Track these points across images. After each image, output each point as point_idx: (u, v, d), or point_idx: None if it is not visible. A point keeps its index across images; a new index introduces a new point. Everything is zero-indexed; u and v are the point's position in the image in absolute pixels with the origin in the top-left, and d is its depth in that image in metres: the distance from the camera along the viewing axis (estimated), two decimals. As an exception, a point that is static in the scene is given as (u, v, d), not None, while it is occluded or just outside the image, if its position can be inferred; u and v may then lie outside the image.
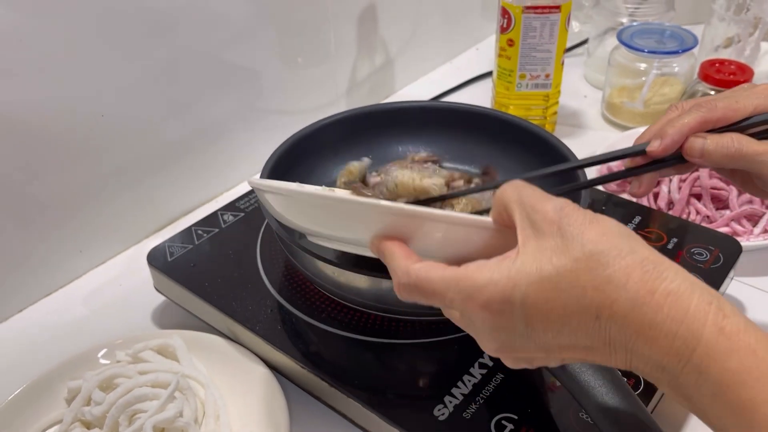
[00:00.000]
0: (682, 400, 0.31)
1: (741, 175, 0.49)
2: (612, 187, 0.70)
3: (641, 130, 0.77)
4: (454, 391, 0.47)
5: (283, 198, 0.42)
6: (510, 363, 0.36)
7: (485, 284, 0.33)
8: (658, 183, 0.70)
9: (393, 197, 0.55)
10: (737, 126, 0.46)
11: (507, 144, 0.66)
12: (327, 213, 0.40)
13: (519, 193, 0.35)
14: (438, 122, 0.69)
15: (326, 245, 0.45)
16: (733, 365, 0.28)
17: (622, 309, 0.30)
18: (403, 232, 0.37)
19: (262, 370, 0.52)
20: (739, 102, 0.46)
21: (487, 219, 0.37)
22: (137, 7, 0.62)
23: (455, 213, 0.38)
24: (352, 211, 0.38)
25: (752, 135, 0.46)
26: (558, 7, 0.75)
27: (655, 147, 0.47)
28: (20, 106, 0.57)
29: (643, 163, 0.48)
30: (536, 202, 0.34)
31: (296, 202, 0.42)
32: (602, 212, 0.32)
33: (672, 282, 0.30)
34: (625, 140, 0.77)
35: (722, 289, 0.55)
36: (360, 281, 0.51)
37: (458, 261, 0.36)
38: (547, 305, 0.32)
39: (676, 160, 0.48)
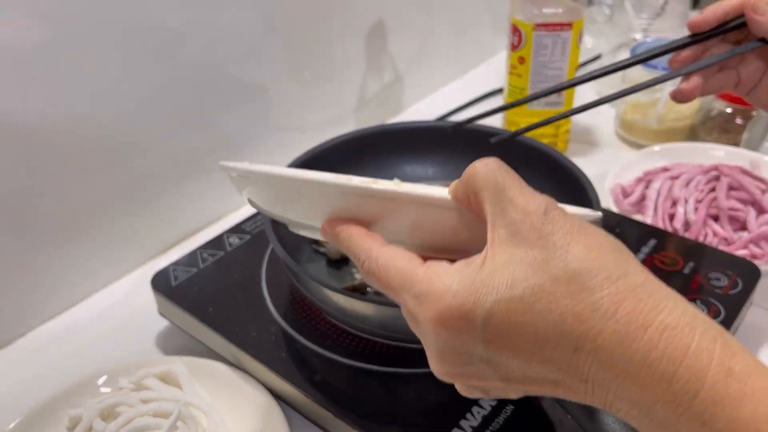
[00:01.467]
0: None
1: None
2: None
3: (656, 148, 0.77)
4: (462, 423, 0.46)
5: (242, 179, 0.37)
6: (463, 390, 0.31)
7: (442, 293, 0.28)
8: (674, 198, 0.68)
9: None
10: None
11: (516, 164, 0.64)
12: (279, 194, 0.36)
13: (494, 179, 0.29)
14: (447, 142, 0.68)
15: (309, 235, 0.39)
16: (745, 413, 0.24)
17: (609, 343, 0.25)
18: (357, 215, 0.33)
19: (266, 398, 0.51)
20: None
21: (449, 199, 0.32)
22: (145, 24, 0.62)
23: (407, 190, 0.32)
24: (296, 191, 0.34)
25: None
26: (569, 25, 0.74)
27: (701, 15, 0.45)
28: (29, 123, 0.57)
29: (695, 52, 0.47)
30: (516, 195, 0.29)
31: (250, 182, 0.37)
32: (615, 235, 0.29)
33: (670, 314, 0.25)
34: (640, 158, 0.76)
35: (741, 316, 0.53)
36: (366, 308, 0.50)
37: (429, 247, 0.32)
38: (516, 330, 0.27)
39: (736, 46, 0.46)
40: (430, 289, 0.29)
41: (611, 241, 0.28)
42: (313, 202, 0.34)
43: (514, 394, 0.30)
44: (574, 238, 0.27)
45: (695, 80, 0.48)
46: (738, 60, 0.49)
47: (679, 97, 0.48)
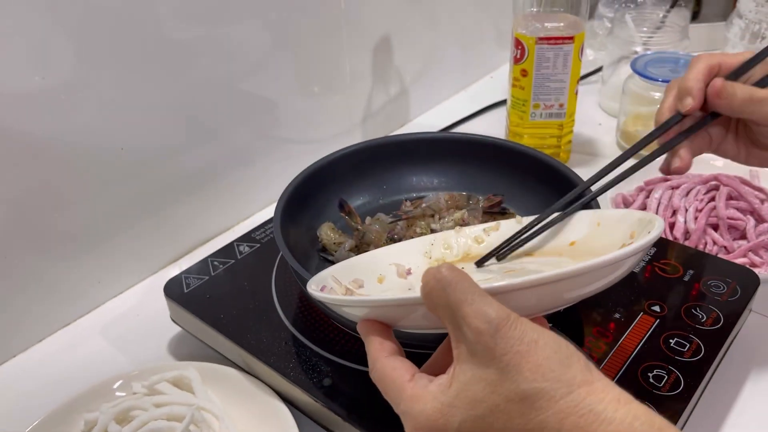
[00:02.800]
0: None
1: (745, 137, 0.51)
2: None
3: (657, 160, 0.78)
4: (468, 426, 0.47)
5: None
6: None
7: (418, 415, 0.34)
8: (676, 212, 0.70)
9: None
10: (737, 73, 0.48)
11: (520, 174, 0.66)
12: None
13: (446, 298, 0.33)
14: (451, 153, 0.69)
15: None
16: None
17: None
18: (381, 318, 0.39)
19: (277, 403, 0.52)
20: (731, 53, 0.49)
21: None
22: (158, 41, 0.64)
23: (402, 296, 0.39)
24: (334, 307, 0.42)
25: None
26: (571, 38, 0.76)
27: (689, 103, 0.47)
28: (44, 138, 0.58)
29: (673, 134, 0.49)
30: (468, 314, 0.32)
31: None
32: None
33: (610, 425, 0.29)
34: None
35: (740, 323, 0.55)
36: (374, 314, 0.51)
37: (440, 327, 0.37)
38: None
39: (699, 122, 0.49)
40: (410, 410, 0.34)
41: (560, 349, 0.32)
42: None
43: None
44: (523, 357, 0.31)
45: (685, 155, 0.50)
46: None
47: (676, 172, 0.51)
